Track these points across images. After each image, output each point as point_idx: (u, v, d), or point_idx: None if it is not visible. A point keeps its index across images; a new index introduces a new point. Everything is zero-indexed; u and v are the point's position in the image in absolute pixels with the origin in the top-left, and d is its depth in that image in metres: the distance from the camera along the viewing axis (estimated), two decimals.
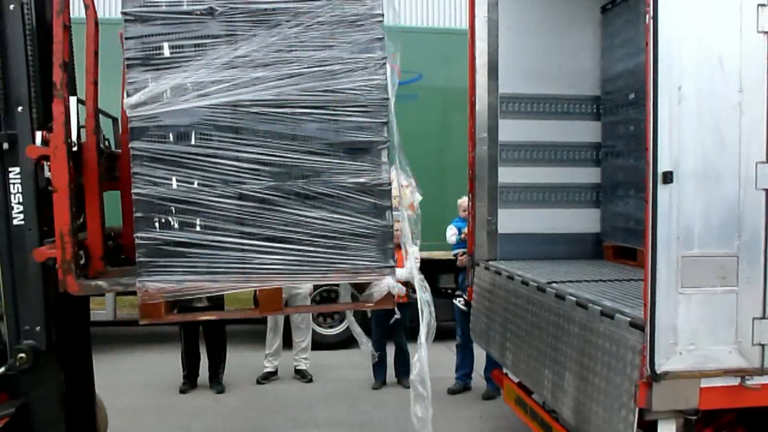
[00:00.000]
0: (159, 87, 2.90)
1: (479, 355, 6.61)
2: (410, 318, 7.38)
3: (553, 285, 4.09)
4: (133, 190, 2.93)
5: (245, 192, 2.96)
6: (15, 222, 3.33)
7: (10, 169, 3.31)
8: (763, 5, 3.02)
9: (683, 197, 2.99)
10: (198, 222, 2.93)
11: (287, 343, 7.39)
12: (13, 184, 3.31)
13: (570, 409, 3.61)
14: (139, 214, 2.93)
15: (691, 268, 3.00)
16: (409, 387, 6.90)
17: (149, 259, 2.95)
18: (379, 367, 7.00)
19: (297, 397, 6.64)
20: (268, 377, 7.23)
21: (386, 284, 3.10)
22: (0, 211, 3.34)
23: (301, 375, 7.26)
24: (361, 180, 3.04)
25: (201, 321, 6.79)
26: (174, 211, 2.92)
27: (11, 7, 3.26)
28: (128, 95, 2.91)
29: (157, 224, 2.93)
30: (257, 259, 2.97)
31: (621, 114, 5.33)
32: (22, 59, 3.27)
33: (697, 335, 3.02)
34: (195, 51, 2.93)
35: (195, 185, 2.93)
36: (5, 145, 3.29)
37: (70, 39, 3.27)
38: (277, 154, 2.97)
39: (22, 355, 3.33)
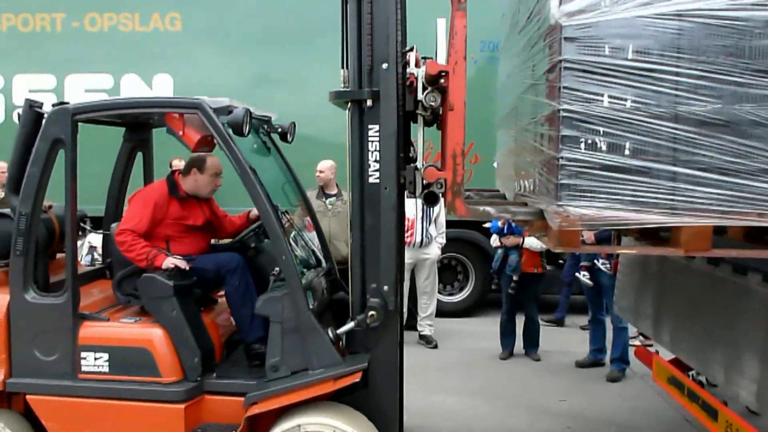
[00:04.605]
0: None
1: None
2: (542, 290, 7.17)
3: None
4: (560, 106, 2.67)
5: (683, 114, 2.62)
6: (370, 180, 3.27)
7: (369, 126, 3.24)
8: None
9: None
10: (627, 145, 2.65)
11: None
12: (371, 141, 3.24)
13: (752, 393, 3.33)
14: (565, 132, 2.66)
15: None
16: (538, 359, 6.76)
17: (572, 182, 2.69)
18: (507, 337, 6.84)
19: (424, 364, 6.60)
20: None
21: None
22: (355, 169, 3.29)
23: (426, 340, 7.25)
24: None
25: None
26: (602, 132, 2.66)
27: None
28: (562, 2, 2.65)
29: (582, 145, 2.66)
30: (689, 191, 2.65)
31: None
32: (392, 15, 3.19)
33: None
34: None
35: (628, 104, 2.63)
36: (368, 102, 3.23)
37: None
38: (724, 72, 2.58)
39: (373, 312, 3.30)
